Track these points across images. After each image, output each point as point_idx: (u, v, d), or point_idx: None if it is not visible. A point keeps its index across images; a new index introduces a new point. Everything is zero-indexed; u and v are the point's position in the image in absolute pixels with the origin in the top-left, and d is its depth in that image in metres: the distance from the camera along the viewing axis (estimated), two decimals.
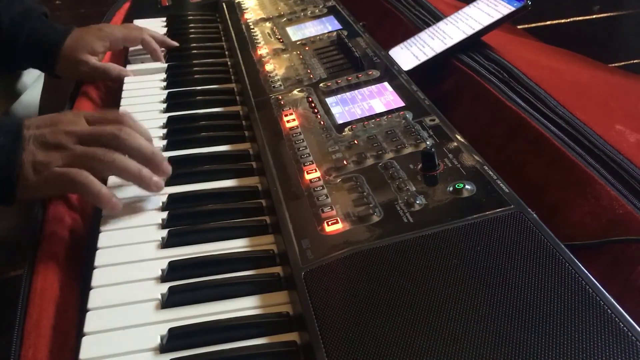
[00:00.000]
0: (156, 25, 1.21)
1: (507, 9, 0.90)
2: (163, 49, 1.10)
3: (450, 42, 0.92)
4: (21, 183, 0.66)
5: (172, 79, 1.02)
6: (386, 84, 0.84)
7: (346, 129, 0.76)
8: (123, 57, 1.12)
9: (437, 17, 1.02)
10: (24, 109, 1.16)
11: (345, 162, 0.70)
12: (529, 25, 1.73)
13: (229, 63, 1.08)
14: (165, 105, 0.94)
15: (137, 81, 1.02)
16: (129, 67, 1.07)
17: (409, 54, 0.95)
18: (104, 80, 1.05)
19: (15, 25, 0.98)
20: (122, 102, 0.95)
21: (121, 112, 0.74)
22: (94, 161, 0.67)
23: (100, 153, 0.68)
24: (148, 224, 0.68)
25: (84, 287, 0.61)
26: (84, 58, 0.99)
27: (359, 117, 0.78)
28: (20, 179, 0.66)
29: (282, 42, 1.06)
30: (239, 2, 1.28)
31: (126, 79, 1.02)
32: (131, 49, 1.13)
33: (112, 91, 1.04)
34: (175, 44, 1.12)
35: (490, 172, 0.62)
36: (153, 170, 0.71)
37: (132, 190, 0.73)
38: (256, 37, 1.10)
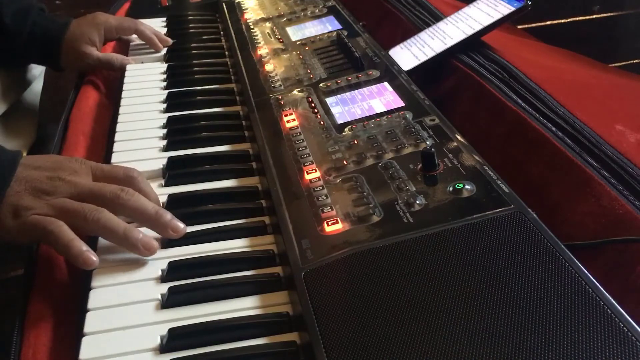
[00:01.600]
0: (156, 25, 1.21)
1: (507, 9, 0.90)
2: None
3: (450, 42, 0.92)
4: None
5: (172, 79, 1.02)
6: (386, 84, 0.84)
7: (346, 129, 0.76)
8: (123, 53, 1.12)
9: (437, 17, 1.01)
10: (25, 109, 1.16)
11: (345, 162, 0.70)
12: (529, 25, 1.73)
13: (229, 63, 1.08)
14: (165, 105, 0.94)
15: (137, 81, 1.02)
16: (130, 58, 1.09)
17: (409, 54, 0.95)
18: (108, 70, 1.07)
19: (17, 21, 0.99)
20: (122, 102, 0.95)
21: (129, 169, 0.68)
22: (77, 218, 0.61)
23: (87, 210, 0.62)
24: None
25: (84, 287, 0.61)
26: (86, 50, 1.01)
27: (359, 117, 0.78)
28: None
29: (282, 42, 1.06)
30: (239, 2, 1.28)
31: (126, 79, 1.02)
32: (132, 44, 1.13)
33: (112, 91, 1.04)
34: (170, 41, 1.13)
35: (490, 172, 0.62)
36: (160, 232, 0.65)
37: None
38: (256, 37, 1.10)
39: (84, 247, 0.61)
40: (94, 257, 0.61)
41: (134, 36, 1.13)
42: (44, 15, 1.03)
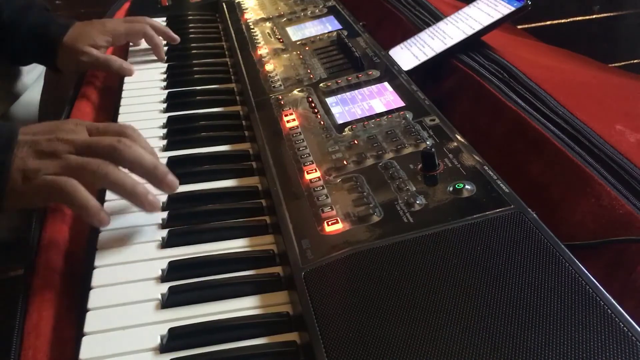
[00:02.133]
0: None
1: (507, 9, 0.90)
2: (165, 43, 1.11)
3: (450, 42, 0.92)
4: (9, 190, 0.63)
5: (172, 79, 1.02)
6: (386, 84, 0.84)
7: (346, 129, 0.76)
8: (124, 52, 1.12)
9: (437, 17, 1.01)
10: (24, 110, 1.16)
11: (345, 162, 0.70)
12: (529, 25, 1.73)
13: (229, 63, 1.08)
14: (165, 105, 0.94)
15: (137, 81, 1.02)
16: (130, 59, 1.08)
17: (409, 54, 0.95)
18: (105, 72, 1.06)
19: (16, 18, 0.98)
20: (122, 102, 0.95)
21: (124, 125, 0.71)
22: (86, 172, 0.63)
23: (94, 164, 0.63)
24: (148, 224, 0.68)
25: (84, 287, 0.61)
26: (85, 49, 0.99)
27: (359, 117, 0.78)
28: (8, 186, 0.62)
29: (282, 42, 1.06)
30: (239, 2, 1.28)
31: (126, 79, 1.02)
32: (131, 49, 1.13)
33: (112, 92, 1.04)
34: (177, 38, 1.12)
35: (490, 172, 0.62)
36: (156, 185, 0.67)
37: None
38: (256, 37, 1.10)
39: (99, 207, 0.63)
40: (107, 217, 0.64)
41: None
42: (46, 14, 1.02)
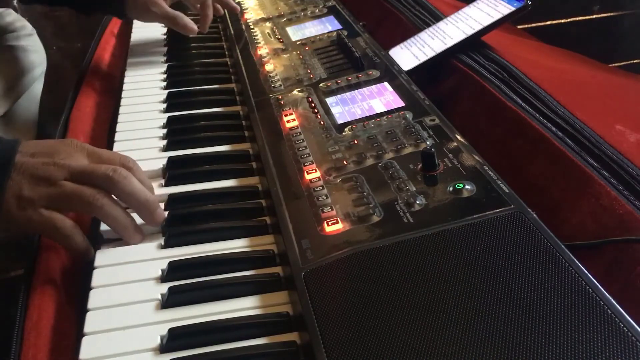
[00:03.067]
0: (156, 26, 1.21)
1: (507, 9, 0.90)
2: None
3: (450, 42, 0.92)
4: (3, 214, 0.62)
5: (172, 79, 1.02)
6: (386, 84, 0.84)
7: (346, 129, 0.76)
8: (123, 53, 1.12)
9: (437, 17, 1.01)
10: (25, 109, 1.16)
11: (345, 162, 0.70)
12: (529, 25, 1.73)
13: (229, 63, 1.08)
14: (165, 105, 0.94)
15: (137, 81, 1.02)
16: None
17: (409, 54, 0.95)
18: (170, 26, 1.07)
19: None
20: (122, 102, 0.95)
21: (124, 156, 0.69)
22: (80, 201, 0.62)
23: (89, 194, 0.62)
24: None
25: (84, 287, 0.61)
26: (157, 0, 1.01)
27: (359, 117, 0.78)
28: (2, 210, 0.61)
29: (282, 42, 1.06)
30: (239, 2, 1.28)
31: (126, 79, 1.02)
32: (131, 44, 1.13)
33: (112, 91, 1.04)
34: (237, 7, 1.15)
35: (490, 172, 0.62)
36: (144, 218, 0.66)
37: None
38: (256, 37, 1.10)
39: (91, 250, 0.64)
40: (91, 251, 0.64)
41: (134, 36, 1.13)
42: None
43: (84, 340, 0.55)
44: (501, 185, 0.60)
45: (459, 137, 0.69)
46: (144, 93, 0.98)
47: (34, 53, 1.20)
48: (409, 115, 0.75)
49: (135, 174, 0.66)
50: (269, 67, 0.98)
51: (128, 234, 0.65)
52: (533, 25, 1.76)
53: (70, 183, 0.63)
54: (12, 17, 1.22)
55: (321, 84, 0.88)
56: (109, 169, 0.64)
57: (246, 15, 1.21)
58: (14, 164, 0.63)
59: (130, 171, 0.66)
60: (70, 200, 0.63)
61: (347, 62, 0.93)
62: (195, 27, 1.05)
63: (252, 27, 1.15)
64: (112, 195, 0.64)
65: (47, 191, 0.62)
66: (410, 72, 0.90)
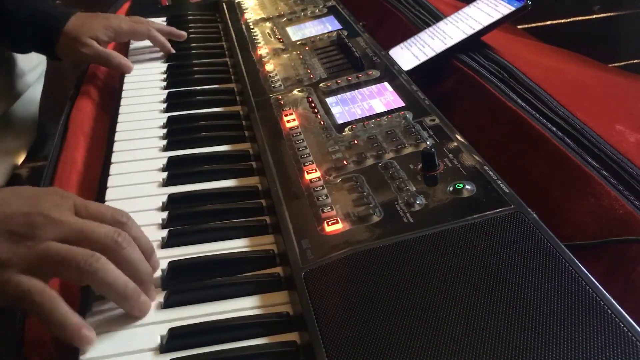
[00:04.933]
0: None
1: (507, 9, 0.90)
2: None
3: (450, 42, 0.92)
4: None
5: (172, 79, 1.02)
6: (386, 84, 0.84)
7: (346, 129, 0.76)
8: (123, 53, 1.12)
9: (437, 17, 1.02)
10: (25, 109, 1.16)
11: (345, 162, 0.70)
12: (529, 25, 1.73)
13: (229, 63, 1.08)
14: (165, 105, 0.94)
15: (137, 81, 1.02)
16: (130, 58, 1.08)
17: (409, 54, 0.95)
18: (104, 66, 1.05)
19: (17, 4, 0.97)
20: (122, 102, 0.95)
21: (118, 211, 0.58)
22: (69, 266, 0.51)
23: (81, 258, 0.51)
24: (148, 224, 0.68)
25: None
26: (87, 41, 0.99)
27: (359, 117, 0.78)
28: None
29: (282, 42, 1.06)
30: (239, 2, 1.28)
31: (126, 79, 1.02)
32: (131, 47, 1.13)
33: (112, 91, 1.04)
34: (183, 34, 1.12)
35: (490, 172, 0.62)
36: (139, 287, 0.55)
37: (132, 191, 0.73)
38: (256, 37, 1.10)
39: (80, 324, 0.52)
40: (91, 335, 0.53)
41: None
42: (48, 2, 1.02)
43: None
44: (501, 185, 0.60)
45: (459, 137, 0.69)
46: (144, 93, 0.98)
47: (34, 53, 1.20)
48: (409, 115, 0.75)
49: (133, 232, 0.57)
50: (269, 67, 0.98)
51: (131, 301, 0.55)
52: (533, 25, 1.75)
53: (55, 243, 0.52)
54: None
55: (321, 84, 0.88)
56: (112, 231, 0.54)
57: (246, 15, 1.21)
58: None
59: (125, 227, 0.56)
60: (55, 263, 0.51)
61: (347, 62, 0.93)
62: (130, 64, 1.03)
63: (252, 27, 1.15)
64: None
65: (27, 249, 0.51)
66: (410, 72, 0.90)
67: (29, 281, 0.50)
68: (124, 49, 1.14)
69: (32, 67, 1.17)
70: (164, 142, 0.84)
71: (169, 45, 1.09)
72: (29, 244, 0.51)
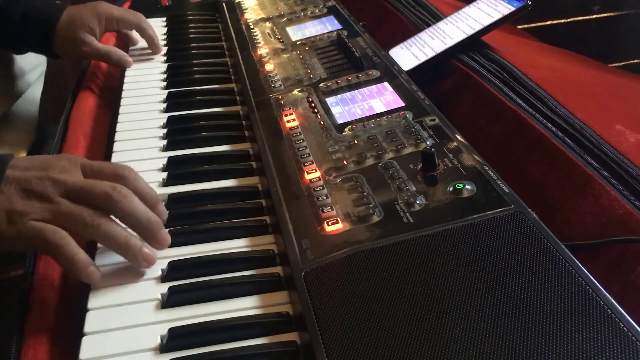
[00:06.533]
0: (156, 25, 1.20)
1: (507, 9, 0.90)
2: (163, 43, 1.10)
3: (450, 42, 0.92)
4: None
5: (172, 79, 1.02)
6: (386, 84, 0.84)
7: (346, 129, 0.76)
8: (124, 49, 1.12)
9: (437, 17, 1.02)
10: (25, 109, 1.16)
11: (345, 162, 0.70)
12: (529, 25, 1.73)
13: (229, 63, 1.08)
14: (165, 105, 0.94)
15: (137, 81, 1.02)
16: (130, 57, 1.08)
17: (409, 54, 0.95)
18: (104, 62, 1.05)
19: (9, 4, 0.97)
20: (122, 102, 0.95)
21: (121, 166, 0.64)
22: (76, 221, 0.58)
23: (86, 215, 0.58)
24: None
25: (84, 287, 0.61)
26: (85, 38, 0.98)
27: (359, 117, 0.78)
28: None
29: (282, 42, 1.06)
30: (239, 2, 1.28)
31: (126, 79, 1.02)
32: (131, 48, 1.13)
33: (112, 91, 1.04)
34: (160, 49, 1.11)
35: (490, 172, 0.62)
36: (147, 240, 0.61)
37: None
38: (256, 37, 1.10)
39: (88, 261, 0.59)
40: (97, 272, 0.59)
41: (135, 34, 1.12)
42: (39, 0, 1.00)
43: (84, 340, 0.55)
44: (501, 185, 0.60)
45: (459, 137, 0.69)
46: (144, 93, 0.98)
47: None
48: (409, 115, 0.75)
49: (135, 184, 0.62)
50: (269, 67, 0.98)
51: (132, 253, 0.60)
52: (533, 25, 1.75)
53: (66, 201, 0.59)
54: None
55: (321, 84, 0.88)
56: (108, 187, 0.60)
57: (246, 15, 1.21)
58: (5, 177, 0.59)
59: (128, 180, 0.62)
60: (64, 218, 0.58)
61: (347, 62, 0.93)
62: (130, 59, 1.03)
63: (252, 27, 1.15)
64: (111, 216, 0.60)
65: (41, 207, 0.58)
66: (411, 72, 0.90)
67: (42, 226, 0.57)
68: (123, 49, 1.14)
69: (32, 67, 1.17)
70: (164, 142, 0.84)
71: (157, 41, 1.09)
72: (41, 201, 0.59)
